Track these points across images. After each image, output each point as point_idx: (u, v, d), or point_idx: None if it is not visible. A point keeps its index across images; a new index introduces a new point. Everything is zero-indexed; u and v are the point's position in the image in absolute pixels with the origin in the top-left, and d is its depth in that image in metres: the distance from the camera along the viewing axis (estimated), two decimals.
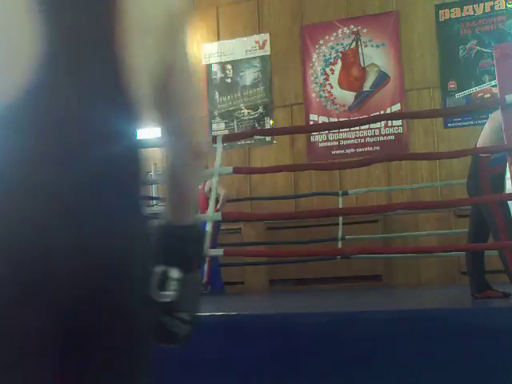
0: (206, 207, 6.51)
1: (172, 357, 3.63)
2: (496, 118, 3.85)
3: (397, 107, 7.66)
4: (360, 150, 7.70)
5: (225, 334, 3.65)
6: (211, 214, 4.35)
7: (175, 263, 1.14)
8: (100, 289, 0.96)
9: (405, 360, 3.29)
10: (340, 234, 6.57)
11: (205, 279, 6.58)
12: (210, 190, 6.61)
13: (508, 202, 4.01)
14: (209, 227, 4.27)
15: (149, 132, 7.89)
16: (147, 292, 1.07)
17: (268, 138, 8.05)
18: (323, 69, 8.03)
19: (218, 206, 6.62)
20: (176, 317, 1.17)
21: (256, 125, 8.21)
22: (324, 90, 7.99)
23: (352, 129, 7.70)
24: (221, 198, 6.69)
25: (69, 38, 1.00)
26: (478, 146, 4.08)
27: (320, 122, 7.87)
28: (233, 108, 8.37)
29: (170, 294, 1.13)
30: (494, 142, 3.86)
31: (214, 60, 8.51)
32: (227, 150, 7.52)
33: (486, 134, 4.00)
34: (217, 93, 8.45)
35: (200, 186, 6.55)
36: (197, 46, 8.60)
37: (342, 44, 7.98)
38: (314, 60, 8.07)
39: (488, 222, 3.97)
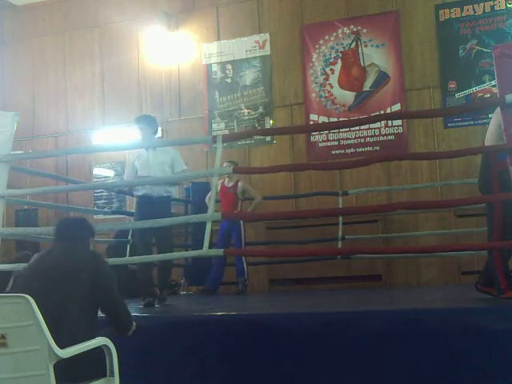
0: (234, 208, 6.61)
1: (172, 356, 3.63)
2: (499, 111, 3.82)
3: (397, 107, 7.65)
4: (360, 149, 7.70)
5: (225, 333, 3.65)
6: (211, 215, 4.33)
7: None
8: None
9: (405, 359, 3.29)
10: (340, 233, 6.57)
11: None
12: (243, 191, 6.70)
13: None
14: (208, 227, 4.25)
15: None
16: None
17: (268, 138, 8.05)
18: (323, 69, 8.03)
19: (249, 209, 6.69)
20: None
21: (256, 125, 8.21)
22: (324, 90, 7.98)
23: (352, 129, 7.70)
24: (254, 201, 6.77)
25: None
26: (485, 139, 4.04)
27: (320, 121, 7.86)
28: (233, 108, 8.37)
29: None
30: (500, 135, 3.82)
31: (214, 60, 8.51)
32: (227, 150, 7.53)
33: (492, 128, 3.98)
34: (217, 93, 8.45)
35: (230, 185, 6.62)
36: (197, 45, 8.61)
37: (342, 44, 7.97)
38: (314, 60, 8.07)
39: (487, 220, 3.94)
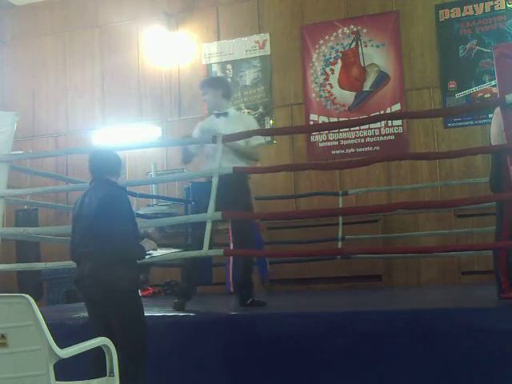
0: None
1: (171, 356, 3.63)
2: (500, 111, 3.81)
3: (397, 107, 7.65)
4: (360, 149, 7.69)
5: (224, 333, 3.65)
6: (211, 214, 4.32)
7: None
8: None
9: (405, 360, 3.29)
10: (340, 233, 6.56)
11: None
12: None
13: None
14: (208, 227, 4.24)
15: (149, 133, 7.72)
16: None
17: (268, 138, 8.04)
18: (323, 69, 8.03)
19: None
20: None
21: None
22: (324, 90, 7.98)
23: (352, 129, 7.69)
24: None
25: None
26: (492, 140, 4.03)
27: (320, 121, 7.86)
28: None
29: None
30: (502, 135, 3.80)
31: (214, 60, 8.50)
32: None
33: (494, 129, 3.98)
34: None
35: None
36: (197, 46, 8.61)
37: (342, 44, 7.97)
38: (314, 60, 8.07)
39: (496, 218, 3.92)
